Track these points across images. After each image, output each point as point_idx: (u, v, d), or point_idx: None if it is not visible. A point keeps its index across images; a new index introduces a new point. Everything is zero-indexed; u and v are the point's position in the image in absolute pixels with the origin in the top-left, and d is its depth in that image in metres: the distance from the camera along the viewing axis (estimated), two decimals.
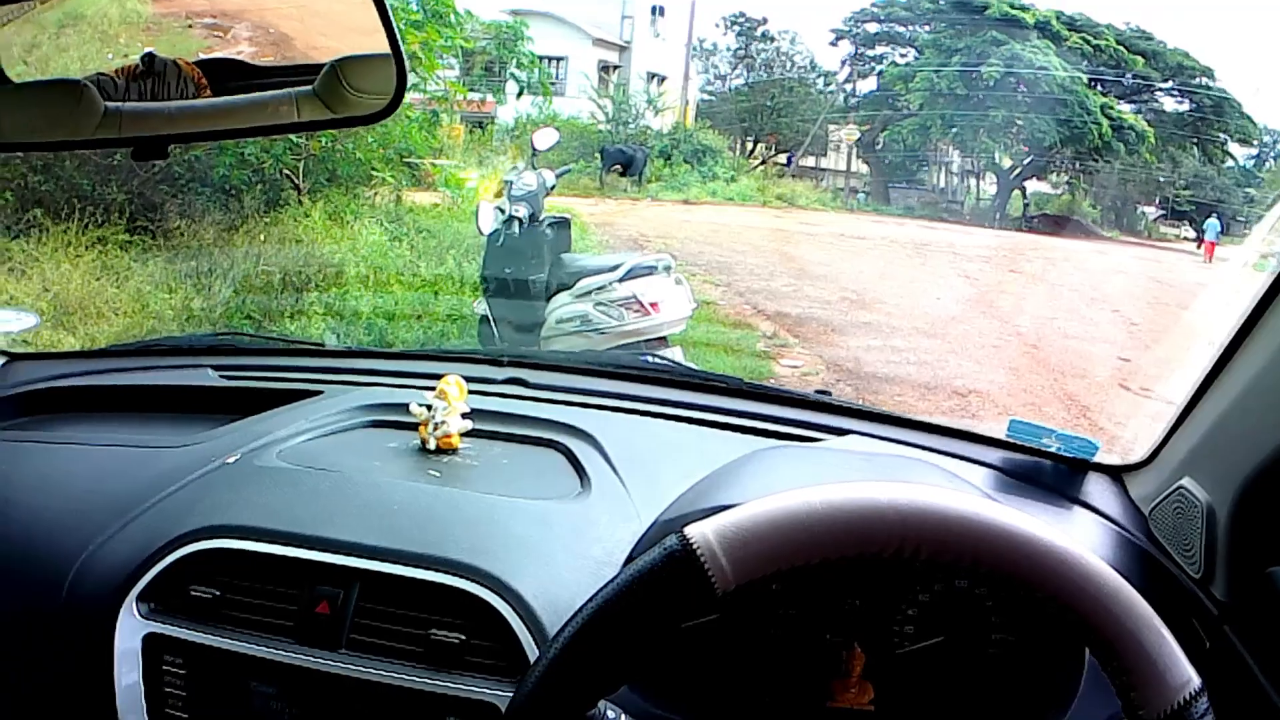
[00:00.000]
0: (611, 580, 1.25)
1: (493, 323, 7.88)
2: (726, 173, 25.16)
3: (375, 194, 12.78)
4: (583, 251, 10.20)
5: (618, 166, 23.45)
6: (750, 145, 28.95)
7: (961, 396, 9.71)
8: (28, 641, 2.16)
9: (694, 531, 1.22)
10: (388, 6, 1.67)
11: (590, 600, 1.25)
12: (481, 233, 8.12)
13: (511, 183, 8.17)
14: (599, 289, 7.43)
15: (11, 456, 2.56)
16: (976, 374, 10.62)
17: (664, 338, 7.42)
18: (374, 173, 12.26)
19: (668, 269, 7.61)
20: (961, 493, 1.37)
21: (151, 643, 2.00)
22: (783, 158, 28.55)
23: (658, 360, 3.51)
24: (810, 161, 29.03)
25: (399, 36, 1.71)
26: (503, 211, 7.92)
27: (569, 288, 7.60)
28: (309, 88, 1.76)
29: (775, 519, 1.23)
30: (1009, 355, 11.68)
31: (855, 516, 1.22)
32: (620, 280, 7.39)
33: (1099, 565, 1.22)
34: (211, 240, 10.89)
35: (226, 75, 1.81)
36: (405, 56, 1.73)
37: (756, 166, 27.72)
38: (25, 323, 3.37)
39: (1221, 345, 1.92)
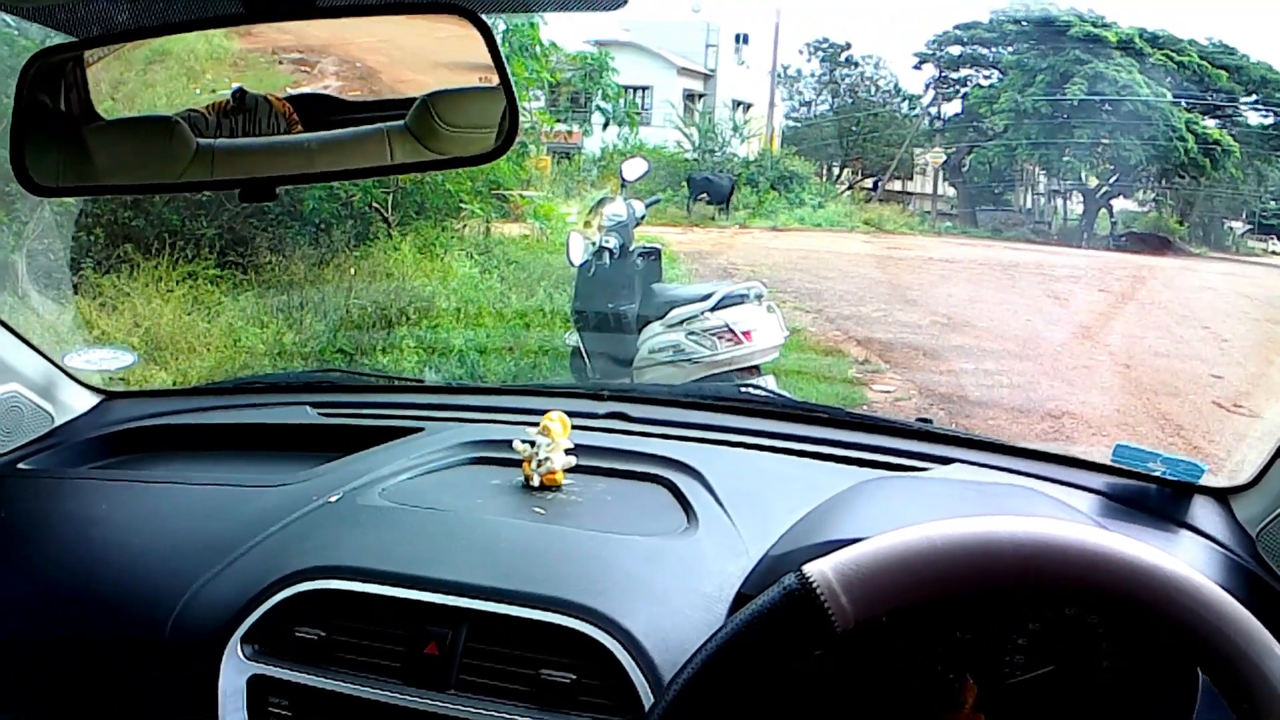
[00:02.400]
0: (730, 620, 1.24)
1: (585, 354, 7.90)
2: (814, 199, 25.07)
3: (464, 226, 12.83)
4: (673, 281, 10.17)
5: (705, 195, 23.41)
6: (837, 171, 28.87)
7: (1055, 419, 9.61)
8: (132, 680, 2.18)
9: (813, 569, 1.21)
10: (499, 46, 1.65)
11: (709, 641, 1.24)
12: (572, 264, 8.13)
13: (604, 206, 8.17)
14: (691, 318, 7.40)
15: (112, 495, 2.59)
16: (1069, 395, 10.52)
17: (757, 366, 7.38)
18: (463, 205, 12.32)
19: (759, 297, 7.57)
20: (1081, 524, 1.33)
21: (257, 684, 2.00)
22: (869, 182, 28.49)
23: (758, 391, 3.49)
24: (897, 185, 28.90)
25: (511, 76, 1.69)
26: (593, 243, 7.92)
27: (661, 318, 7.58)
28: (401, 123, 1.74)
29: (896, 555, 1.22)
30: (1101, 376, 11.57)
31: (977, 551, 1.21)
32: (712, 309, 7.36)
33: (1221, 593, 1.21)
34: (302, 275, 11.00)
35: (317, 110, 1.80)
36: (517, 96, 1.70)
37: (843, 192, 27.61)
38: (122, 361, 3.39)
39: None
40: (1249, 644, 1.18)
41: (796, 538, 2.01)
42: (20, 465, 2.78)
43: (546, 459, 2.43)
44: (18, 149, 1.70)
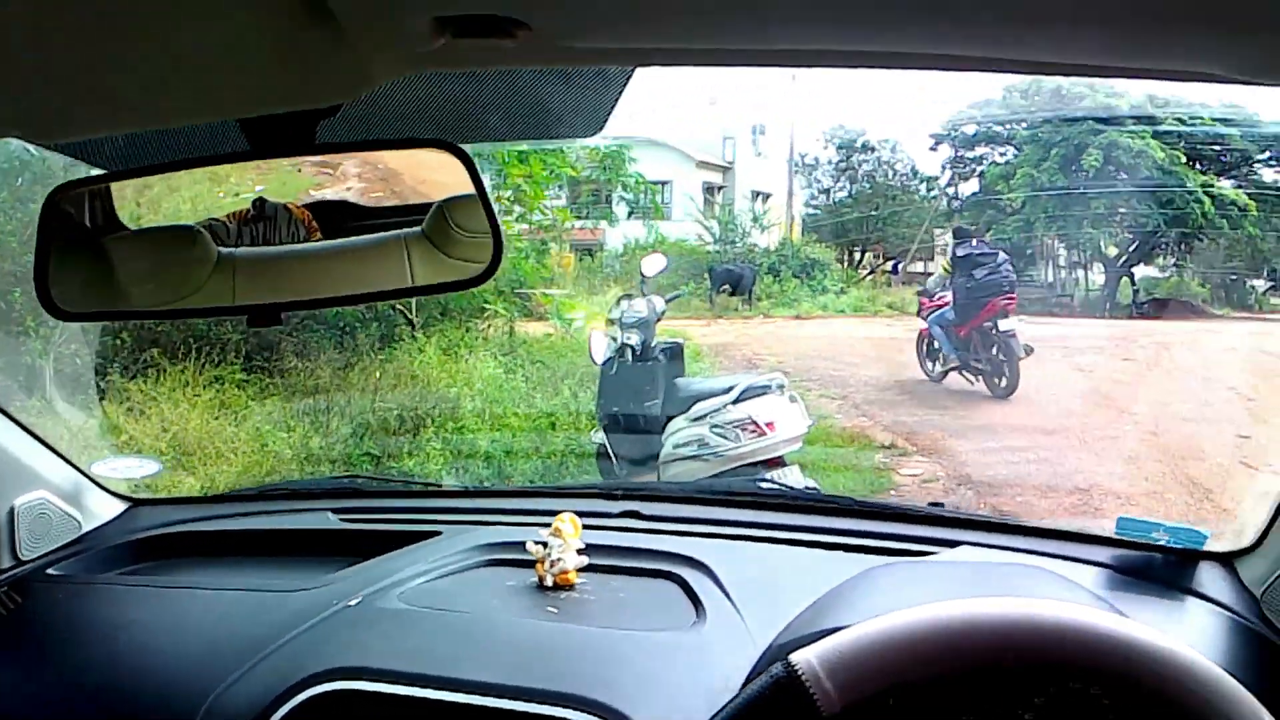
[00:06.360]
0: (720, 711, 1.29)
1: (611, 454, 7.91)
2: (835, 285, 25.03)
3: (488, 326, 12.86)
4: (697, 374, 10.21)
5: (726, 286, 23.40)
6: (858, 256, 28.90)
7: (1083, 492, 9.52)
8: None
9: (798, 658, 1.27)
10: (482, 180, 1.68)
11: None
12: (595, 363, 8.18)
13: (620, 315, 8.21)
14: (714, 412, 7.43)
15: (138, 601, 2.64)
16: (1096, 467, 10.46)
17: (781, 457, 7.38)
18: (486, 305, 12.36)
19: (781, 387, 7.62)
20: (1064, 602, 1.38)
21: None
22: (890, 265, 28.51)
23: (770, 485, 3.52)
24: (918, 267, 28.88)
25: (494, 207, 1.72)
26: (615, 340, 7.97)
27: (684, 412, 7.62)
28: (418, 229, 1.77)
29: (879, 640, 1.27)
30: (1127, 445, 11.49)
31: (957, 632, 1.27)
32: (734, 402, 7.39)
33: (1216, 671, 1.24)
34: (328, 378, 11.07)
35: (335, 217, 1.83)
36: (501, 226, 1.73)
37: (865, 277, 27.62)
38: (148, 469, 3.48)
39: None
40: (1240, 715, 1.21)
41: (798, 628, 2.03)
42: (49, 571, 2.84)
43: (559, 559, 2.48)
44: (41, 273, 1.73)
